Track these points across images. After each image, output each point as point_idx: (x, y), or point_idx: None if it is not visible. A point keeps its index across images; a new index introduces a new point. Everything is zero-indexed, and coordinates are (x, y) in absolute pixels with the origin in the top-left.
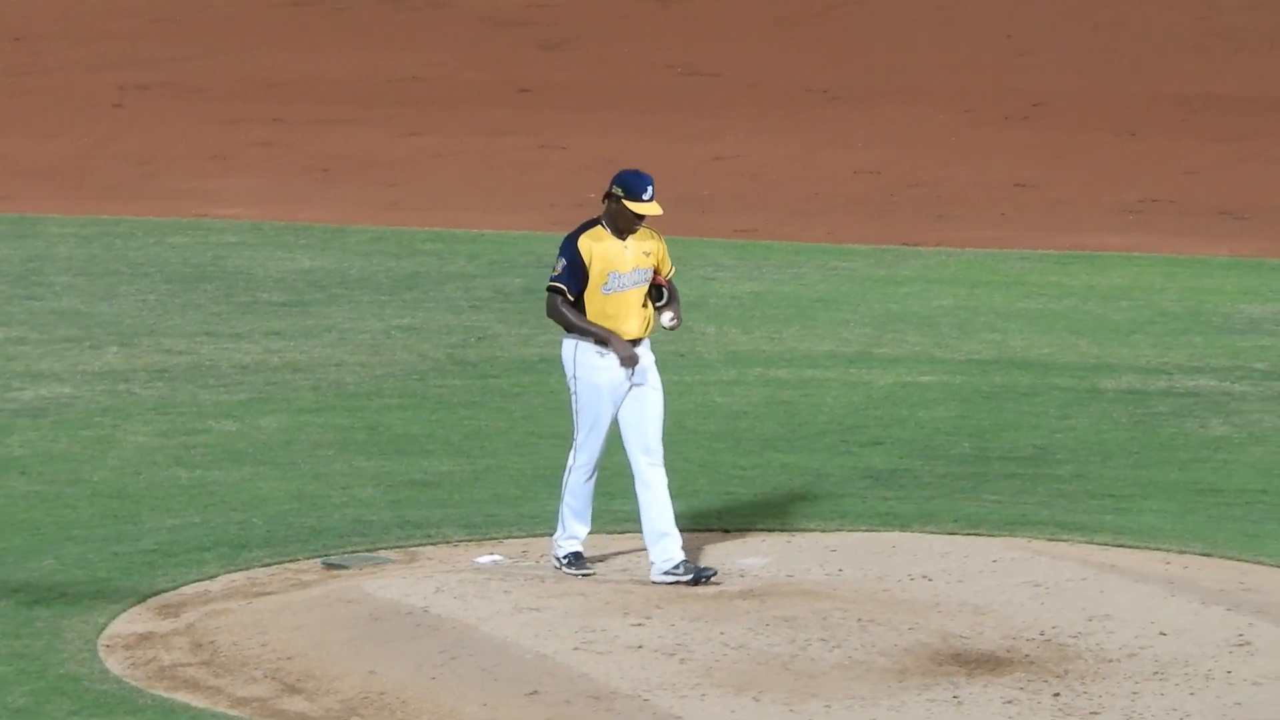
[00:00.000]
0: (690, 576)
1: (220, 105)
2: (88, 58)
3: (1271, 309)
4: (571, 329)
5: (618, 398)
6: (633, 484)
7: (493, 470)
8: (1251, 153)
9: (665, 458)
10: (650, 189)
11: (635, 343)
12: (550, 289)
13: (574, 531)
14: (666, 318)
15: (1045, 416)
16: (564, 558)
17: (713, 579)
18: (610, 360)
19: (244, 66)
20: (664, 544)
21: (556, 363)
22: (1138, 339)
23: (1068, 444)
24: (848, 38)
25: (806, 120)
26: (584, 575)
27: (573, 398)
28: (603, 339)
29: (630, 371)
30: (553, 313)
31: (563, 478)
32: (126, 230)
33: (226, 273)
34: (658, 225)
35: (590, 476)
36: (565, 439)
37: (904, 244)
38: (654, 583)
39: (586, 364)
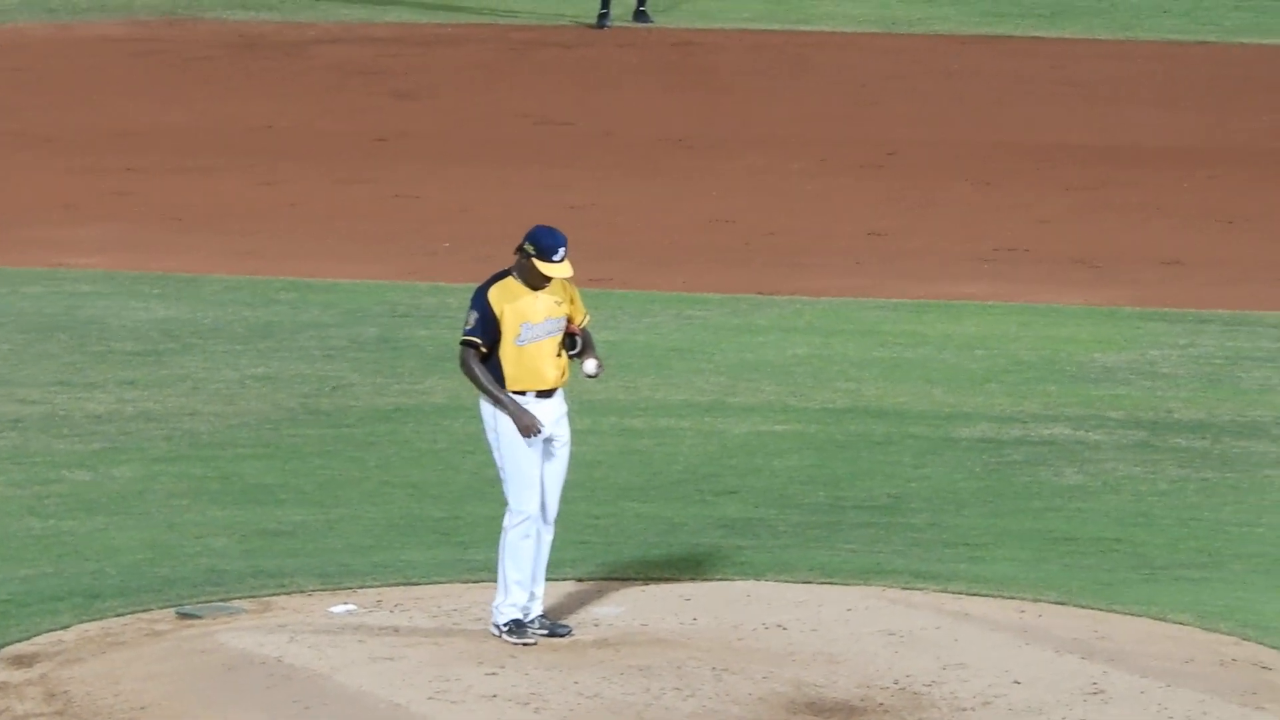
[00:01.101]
0: (546, 632)
1: (72, 154)
2: None
3: (1126, 357)
4: (479, 389)
5: (540, 449)
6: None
7: (346, 520)
8: (1104, 201)
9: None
10: (562, 250)
11: (550, 393)
12: (463, 343)
13: (515, 599)
14: (590, 365)
15: (900, 465)
16: (504, 625)
17: (568, 635)
18: (533, 411)
19: (96, 116)
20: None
21: (410, 412)
22: (992, 388)
23: (922, 493)
24: (701, 87)
25: (661, 169)
26: (526, 644)
27: (496, 455)
28: (504, 406)
29: (551, 422)
30: (464, 368)
31: (500, 542)
32: None
33: (80, 322)
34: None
35: (527, 536)
36: (421, 488)
37: (759, 293)
38: None
39: (507, 418)
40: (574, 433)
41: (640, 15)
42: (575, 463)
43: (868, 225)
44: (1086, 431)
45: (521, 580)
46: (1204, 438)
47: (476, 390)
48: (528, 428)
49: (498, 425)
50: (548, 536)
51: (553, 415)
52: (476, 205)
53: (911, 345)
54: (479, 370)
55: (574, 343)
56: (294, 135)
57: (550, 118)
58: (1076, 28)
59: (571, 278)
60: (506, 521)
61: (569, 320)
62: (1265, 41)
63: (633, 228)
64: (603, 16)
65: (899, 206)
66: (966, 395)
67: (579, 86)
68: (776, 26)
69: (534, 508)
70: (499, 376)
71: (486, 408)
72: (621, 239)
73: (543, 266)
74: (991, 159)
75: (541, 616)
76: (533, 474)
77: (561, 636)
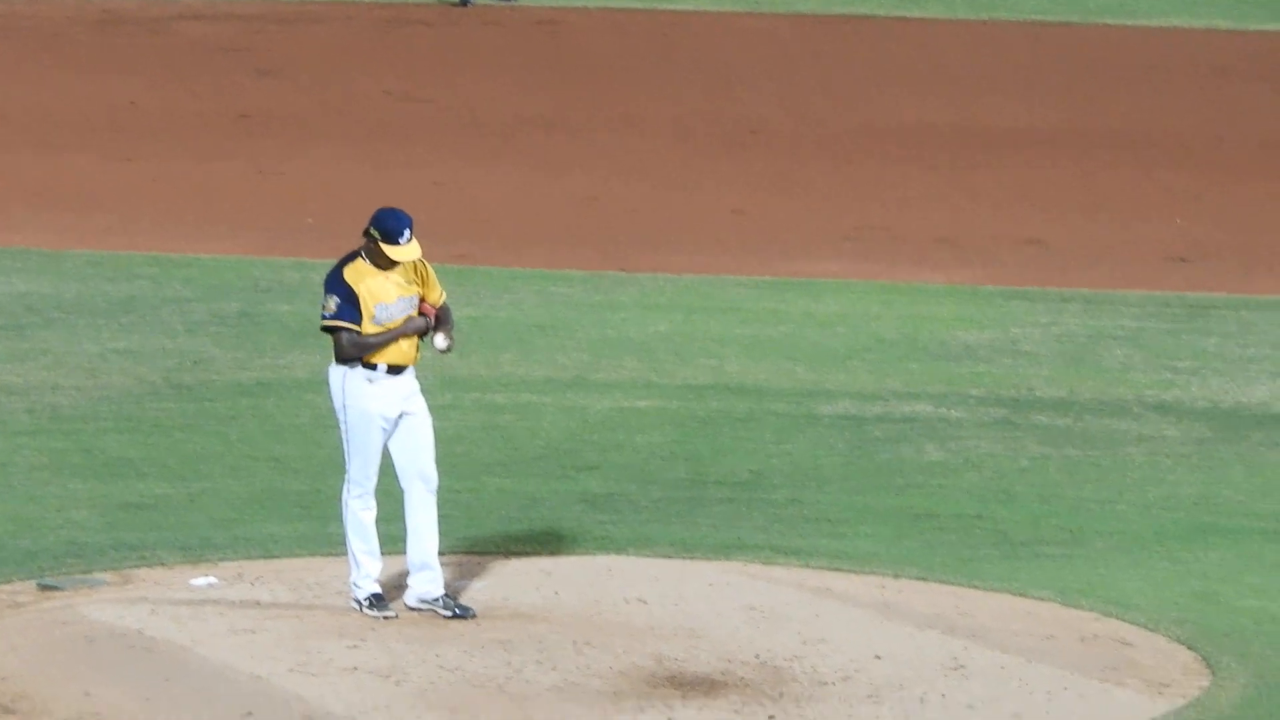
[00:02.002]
0: (450, 614)
1: None
2: None
3: (987, 336)
4: (380, 348)
5: (389, 425)
6: (400, 510)
7: (208, 493)
8: (965, 182)
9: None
10: (407, 233)
11: (401, 369)
12: (335, 330)
13: (368, 570)
14: (440, 340)
15: (761, 442)
16: (364, 599)
17: (471, 618)
18: (380, 387)
19: None
20: (427, 575)
21: (272, 387)
22: (854, 365)
23: (783, 469)
24: (564, 66)
25: (523, 147)
26: (387, 617)
27: (342, 427)
28: (405, 333)
29: (401, 398)
30: (353, 349)
31: (343, 517)
32: None
33: None
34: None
35: (368, 508)
36: (282, 462)
37: (621, 270)
38: (408, 606)
39: (356, 391)
40: (436, 408)
41: None
42: (437, 438)
43: (730, 203)
44: (948, 409)
45: (369, 550)
46: (1065, 415)
47: (334, 362)
48: (426, 327)
49: (345, 399)
50: (430, 504)
51: (404, 391)
52: (339, 182)
53: (773, 323)
54: (368, 340)
55: (427, 327)
56: (156, 112)
57: (413, 95)
58: (939, 9)
59: (422, 258)
60: (345, 494)
61: (422, 300)
62: (1127, 23)
63: (495, 205)
64: None
65: (761, 185)
66: (828, 372)
67: (442, 64)
68: (640, 5)
69: (372, 482)
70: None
71: (335, 380)
72: (484, 216)
73: (389, 250)
74: (854, 139)
75: (445, 596)
76: (375, 449)
77: (468, 618)
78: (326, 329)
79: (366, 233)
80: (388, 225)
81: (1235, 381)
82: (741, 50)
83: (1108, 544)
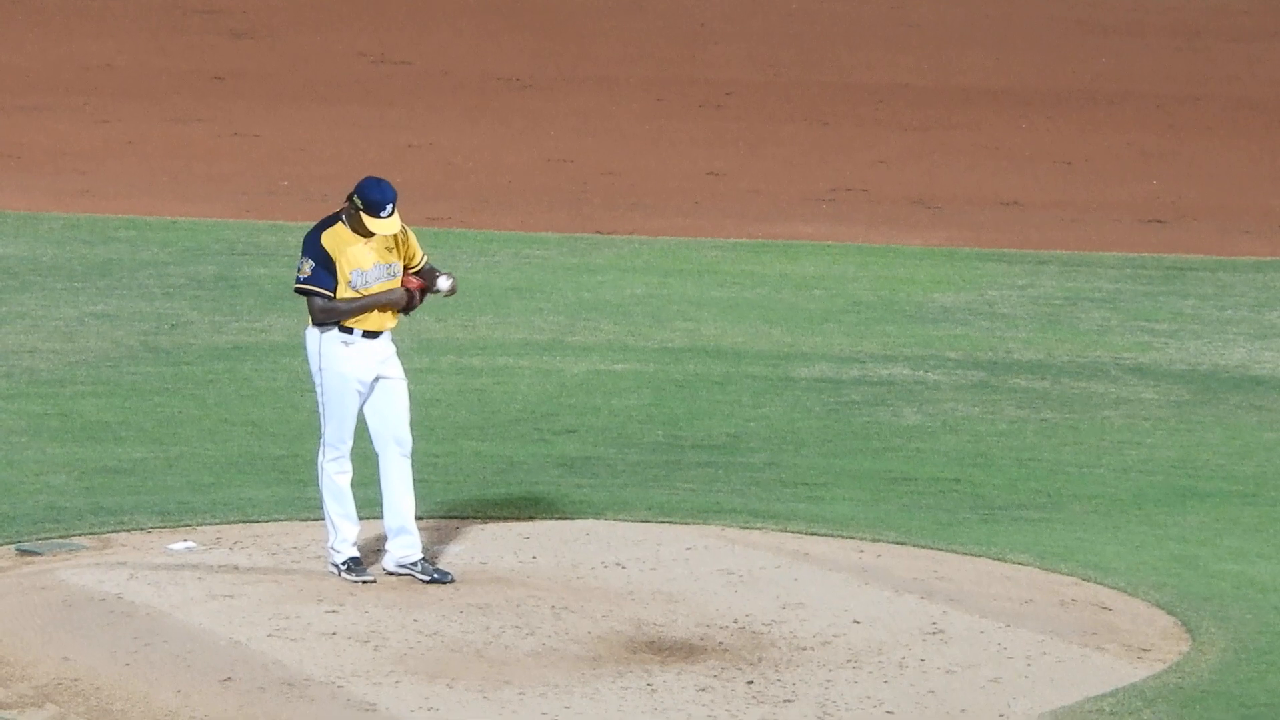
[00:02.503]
0: (428, 578)
1: None
2: None
3: (964, 298)
4: (353, 315)
5: (364, 389)
6: (376, 474)
7: (186, 457)
8: (941, 143)
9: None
10: (390, 206)
11: (377, 334)
12: (308, 293)
13: (345, 535)
14: (444, 282)
15: (738, 405)
16: (342, 564)
17: (449, 582)
18: (355, 350)
19: None
20: (405, 540)
21: (249, 350)
22: (831, 328)
23: (761, 432)
24: (538, 26)
25: (498, 109)
26: (365, 582)
27: (318, 390)
28: (380, 303)
29: (377, 362)
30: (324, 314)
31: (319, 481)
32: None
33: None
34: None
35: (344, 471)
36: (260, 426)
37: (597, 232)
38: (386, 571)
39: (331, 354)
40: (412, 372)
41: None
42: (413, 401)
43: (705, 165)
44: (925, 372)
45: (345, 514)
46: (1043, 378)
47: (311, 324)
48: (408, 294)
49: (321, 362)
50: (405, 468)
51: (379, 355)
52: (314, 144)
53: (749, 285)
54: (341, 306)
55: (405, 301)
56: (131, 74)
57: (388, 57)
58: None
59: (403, 228)
60: (320, 458)
61: (405, 267)
62: None
63: (470, 167)
64: None
65: (737, 146)
66: (805, 335)
67: (416, 25)
68: None
69: (348, 445)
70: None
71: (311, 343)
72: (459, 178)
73: (370, 223)
74: (829, 100)
75: (423, 560)
76: (350, 412)
77: (446, 583)
78: (300, 292)
79: (350, 198)
80: (372, 196)
81: (1213, 344)
82: (716, 11)
83: (1086, 508)
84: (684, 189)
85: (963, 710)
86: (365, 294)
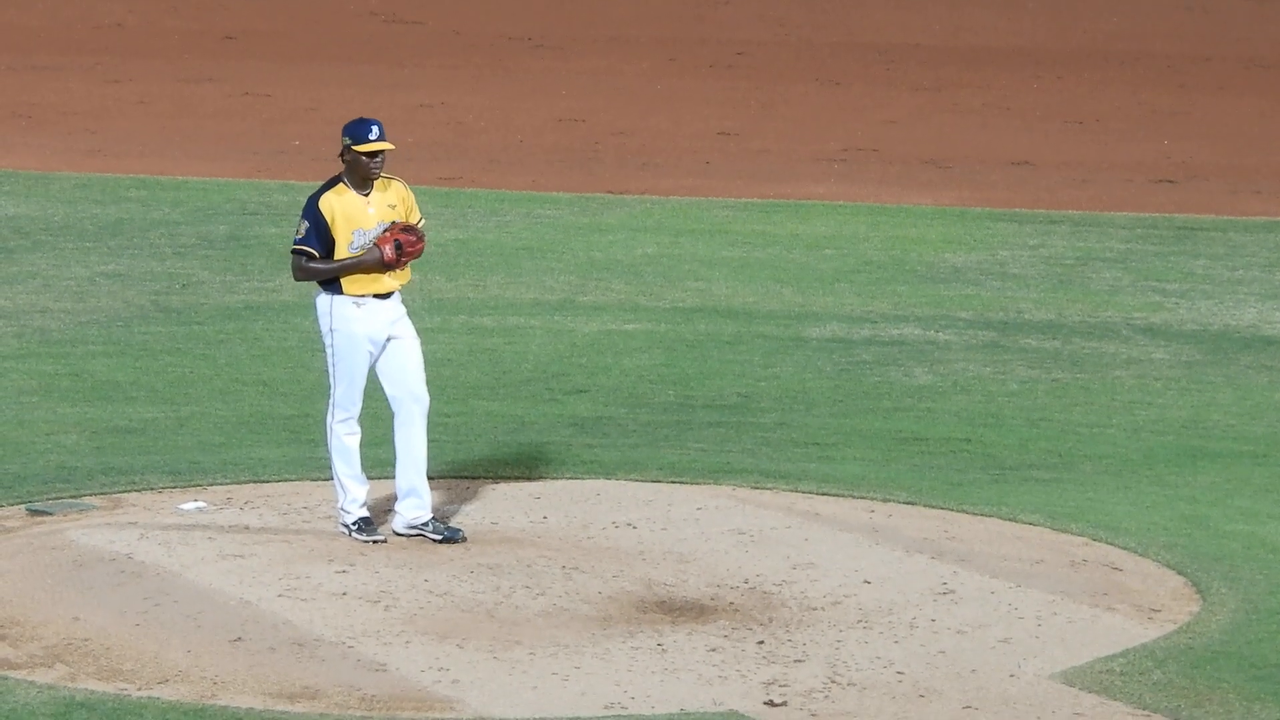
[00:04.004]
0: (440, 537)
1: None
2: None
3: (975, 258)
4: (326, 277)
5: (376, 349)
6: (390, 433)
7: (197, 417)
8: (952, 102)
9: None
10: (376, 128)
11: (388, 295)
12: (295, 252)
13: (355, 495)
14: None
15: (749, 365)
16: (352, 524)
17: (460, 541)
18: (366, 311)
19: None
20: (415, 500)
21: (260, 310)
22: (842, 287)
23: (772, 392)
24: None
25: (509, 69)
26: (376, 542)
27: (329, 351)
28: (355, 266)
29: (388, 323)
30: (301, 274)
31: (327, 442)
32: None
33: None
34: (398, 171)
35: (353, 433)
36: (271, 386)
37: (608, 192)
38: (395, 532)
39: (343, 315)
40: (424, 331)
41: None
42: (425, 361)
43: (716, 125)
44: (936, 332)
45: (354, 475)
46: (1054, 338)
47: (320, 289)
48: (384, 258)
49: (332, 323)
50: (422, 427)
51: (390, 316)
52: (326, 104)
53: (760, 245)
54: (318, 265)
55: (381, 260)
56: (142, 33)
57: (399, 16)
58: None
59: (406, 186)
60: (329, 418)
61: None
62: None
63: (482, 127)
64: None
65: (747, 107)
66: (815, 295)
67: None
68: None
69: (357, 407)
70: (337, 283)
71: (322, 304)
72: (470, 138)
73: (361, 147)
74: (839, 60)
75: (434, 520)
76: (361, 373)
77: (458, 542)
78: (293, 251)
79: (341, 153)
80: (356, 129)
81: (1224, 304)
82: None
83: (1096, 468)
84: (695, 149)
85: (973, 670)
86: (357, 256)
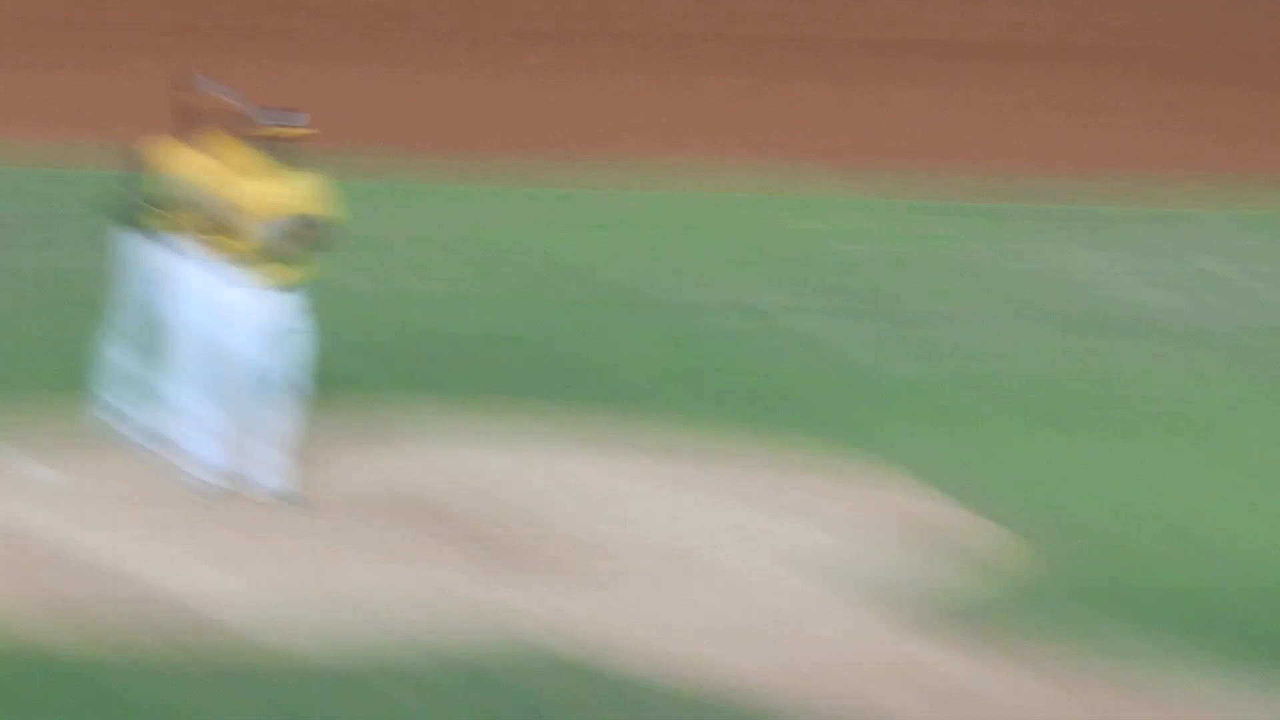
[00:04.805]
0: (286, 503)
1: None
2: None
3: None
4: None
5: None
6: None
7: None
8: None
9: None
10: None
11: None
12: None
13: (208, 460)
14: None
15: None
16: (206, 486)
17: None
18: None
19: None
20: (267, 464)
21: None
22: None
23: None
24: None
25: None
26: (226, 502)
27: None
28: None
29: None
30: None
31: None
32: None
33: None
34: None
35: (199, 400)
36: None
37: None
38: (248, 496)
39: None
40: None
41: None
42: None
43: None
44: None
45: (206, 440)
46: None
47: None
48: None
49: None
50: (273, 395)
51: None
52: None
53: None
54: None
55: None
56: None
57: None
58: None
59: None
60: (174, 385)
61: None
62: None
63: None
64: None
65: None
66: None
67: None
68: None
69: (205, 376)
70: None
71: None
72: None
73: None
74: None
75: (282, 486)
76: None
77: (304, 506)
78: None
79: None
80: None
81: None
82: None
83: (939, 424)
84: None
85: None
86: None
